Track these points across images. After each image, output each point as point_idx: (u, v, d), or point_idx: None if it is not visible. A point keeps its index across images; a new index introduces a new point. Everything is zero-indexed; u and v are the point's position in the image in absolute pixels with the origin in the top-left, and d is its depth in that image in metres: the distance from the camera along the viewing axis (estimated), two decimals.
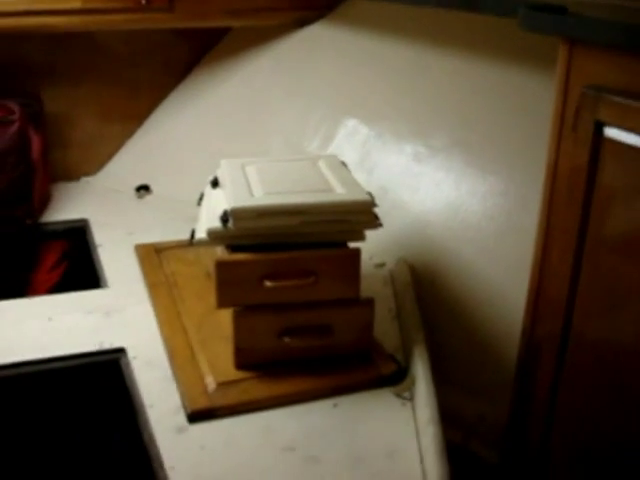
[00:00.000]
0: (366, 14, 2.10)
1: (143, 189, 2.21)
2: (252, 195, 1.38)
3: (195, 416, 1.30)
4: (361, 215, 1.39)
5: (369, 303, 1.41)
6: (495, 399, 1.57)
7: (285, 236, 1.37)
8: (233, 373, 1.38)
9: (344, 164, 1.55)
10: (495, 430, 1.54)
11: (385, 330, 1.55)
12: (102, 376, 1.48)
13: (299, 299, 1.37)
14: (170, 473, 1.19)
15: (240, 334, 1.37)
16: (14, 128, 1.96)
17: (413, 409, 1.34)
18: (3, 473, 1.47)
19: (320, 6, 2.19)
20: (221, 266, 1.33)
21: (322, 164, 1.53)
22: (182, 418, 1.31)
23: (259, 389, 1.36)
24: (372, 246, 1.59)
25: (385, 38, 2.02)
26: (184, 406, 1.32)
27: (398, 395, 1.38)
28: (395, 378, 1.41)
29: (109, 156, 2.35)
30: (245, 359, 1.39)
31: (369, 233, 1.43)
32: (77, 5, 2.05)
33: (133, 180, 2.24)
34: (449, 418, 1.32)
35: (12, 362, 1.44)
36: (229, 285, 1.34)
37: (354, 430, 1.30)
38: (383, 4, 2.01)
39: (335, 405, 1.35)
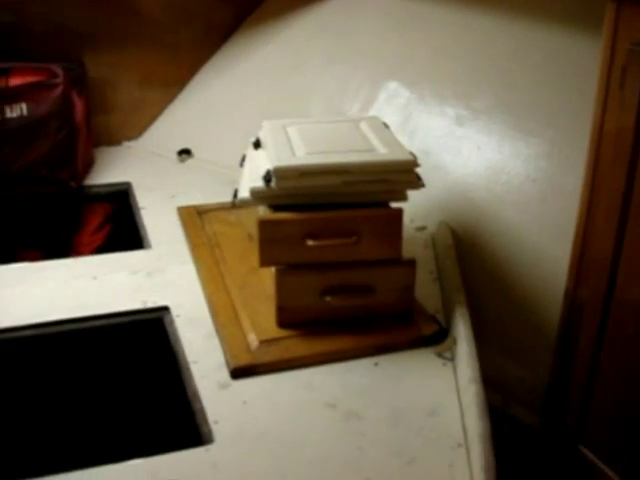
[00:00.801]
0: None
1: (184, 153, 2.22)
2: (294, 155, 1.38)
3: (238, 372, 1.32)
4: (403, 175, 1.38)
5: (411, 264, 1.41)
6: (536, 362, 1.57)
7: (327, 196, 1.37)
8: (275, 331, 1.39)
9: (386, 125, 1.55)
10: (535, 393, 1.55)
11: (426, 292, 1.55)
12: (146, 334, 1.50)
13: (341, 259, 1.38)
14: (214, 427, 1.21)
15: (282, 293, 1.38)
16: (58, 92, 1.98)
17: (454, 369, 1.35)
18: (48, 427, 1.50)
19: None
20: (264, 225, 1.34)
21: (364, 125, 1.53)
22: (225, 374, 1.33)
23: (300, 347, 1.37)
24: (413, 210, 1.59)
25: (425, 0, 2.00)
26: (227, 363, 1.34)
27: (439, 355, 1.38)
28: (436, 338, 1.41)
29: (151, 120, 2.37)
30: (287, 318, 1.40)
31: (410, 196, 1.43)
32: None
33: (175, 144, 2.25)
34: (489, 381, 1.32)
35: (58, 319, 1.48)
36: (271, 244, 1.35)
37: (395, 388, 1.31)
38: None
39: (376, 364, 1.36)
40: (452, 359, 1.37)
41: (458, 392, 1.29)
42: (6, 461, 1.43)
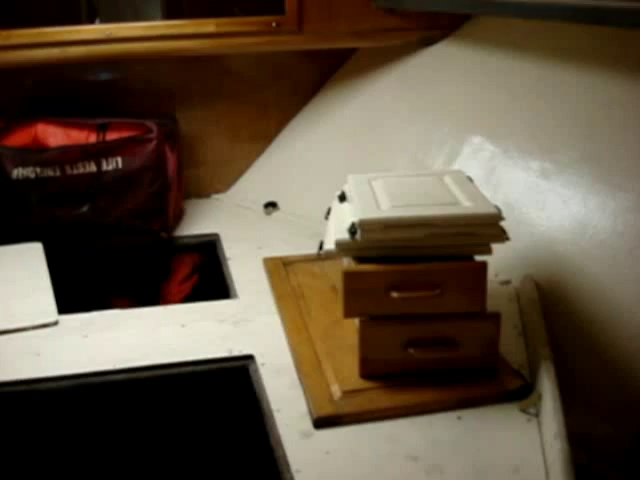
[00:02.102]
0: (491, 31, 2.10)
1: (271, 206, 2.28)
2: (379, 208, 1.40)
3: (321, 422, 1.33)
4: (488, 228, 1.39)
5: (495, 317, 1.41)
6: (623, 420, 1.53)
7: (411, 248, 1.38)
8: (358, 382, 1.40)
9: (470, 179, 1.56)
10: (621, 452, 1.50)
11: (510, 346, 1.53)
12: (231, 381, 1.53)
13: (424, 311, 1.39)
14: (296, 475, 1.22)
15: (366, 344, 1.39)
16: (152, 146, 2.07)
17: (539, 425, 1.33)
18: (132, 473, 1.54)
19: (445, 25, 2.20)
20: (348, 276, 1.36)
21: (448, 179, 1.54)
22: (308, 423, 1.34)
23: (383, 398, 1.38)
24: (498, 263, 1.58)
25: (510, 55, 2.02)
26: (310, 412, 1.36)
27: (523, 410, 1.36)
28: (521, 393, 1.40)
29: (239, 174, 2.44)
30: (370, 369, 1.41)
31: (495, 250, 1.42)
32: (211, 29, 2.15)
33: (261, 197, 2.31)
34: (574, 438, 1.29)
35: (147, 365, 1.53)
36: (356, 295, 1.37)
37: (478, 443, 1.30)
38: (508, 21, 2.01)
39: (459, 418, 1.35)
40: (537, 415, 1.35)
41: (543, 448, 1.27)
42: None
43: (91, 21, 2.30)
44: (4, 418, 1.45)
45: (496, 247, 1.43)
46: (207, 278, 2.08)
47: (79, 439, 1.53)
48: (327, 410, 1.35)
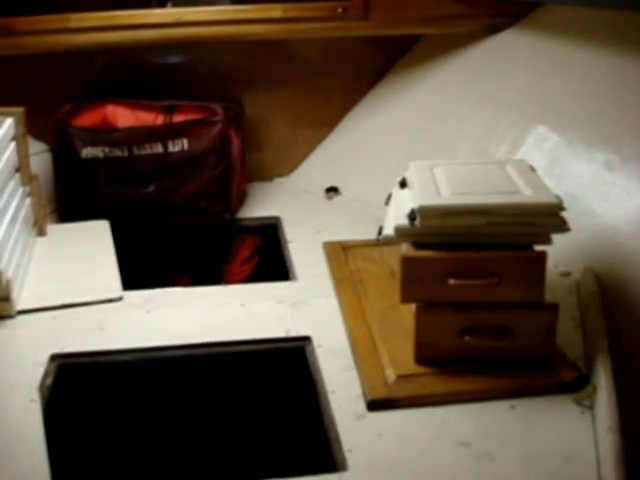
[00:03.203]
0: (558, 20, 2.07)
1: (332, 191, 2.30)
2: (439, 195, 1.41)
3: (374, 405, 1.35)
4: (548, 218, 1.38)
5: (553, 308, 1.40)
6: None
7: (470, 236, 1.39)
8: (412, 367, 1.42)
9: (532, 168, 1.55)
10: None
11: (567, 338, 1.52)
12: (287, 361, 1.56)
13: (481, 299, 1.39)
14: (348, 455, 1.24)
15: (421, 330, 1.40)
16: (217, 129, 2.10)
17: (593, 417, 1.32)
18: (188, 447, 1.58)
19: (512, 13, 2.18)
20: (407, 262, 1.37)
21: (510, 168, 1.54)
22: (362, 406, 1.36)
23: (437, 384, 1.39)
24: (558, 255, 1.57)
25: (577, 43, 1.99)
26: (364, 394, 1.38)
27: (578, 402, 1.36)
28: (576, 385, 1.39)
29: (301, 159, 2.46)
30: (425, 354, 1.42)
31: (556, 241, 1.42)
32: (277, 14, 2.18)
33: (323, 182, 2.33)
34: (627, 432, 1.29)
35: (207, 342, 1.57)
36: (413, 281, 1.38)
37: (531, 432, 1.30)
38: (576, 9, 1.98)
39: (512, 407, 1.35)
40: (591, 407, 1.34)
41: (595, 441, 1.26)
42: (147, 472, 1.51)
43: (161, 5, 2.35)
44: (68, 388, 1.50)
45: (557, 238, 1.42)
46: (267, 260, 2.12)
47: (139, 411, 1.58)
48: (381, 393, 1.37)
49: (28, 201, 1.91)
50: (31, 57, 2.19)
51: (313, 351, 1.52)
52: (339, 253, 1.87)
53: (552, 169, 1.89)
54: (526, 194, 1.41)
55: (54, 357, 1.52)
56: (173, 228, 2.12)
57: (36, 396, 1.39)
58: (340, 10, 2.17)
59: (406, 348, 1.44)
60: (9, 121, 1.80)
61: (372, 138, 2.35)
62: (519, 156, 1.98)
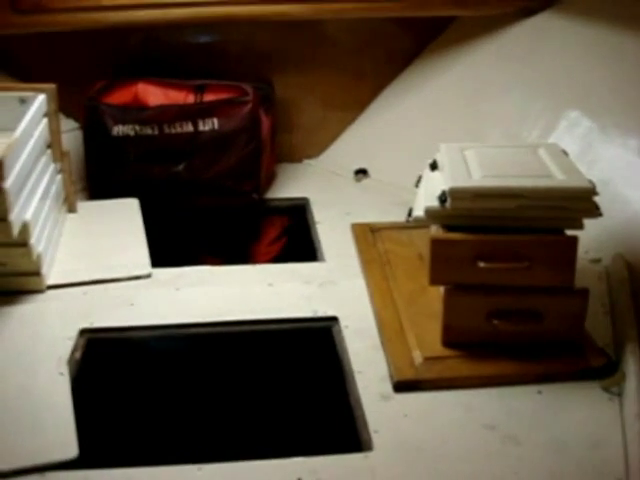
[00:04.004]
0: (593, 4, 2.05)
1: (361, 173, 2.29)
2: (470, 177, 1.40)
3: (400, 386, 1.35)
4: (580, 202, 1.37)
5: (583, 293, 1.40)
6: None
7: (500, 219, 1.38)
8: (439, 349, 1.42)
9: (565, 152, 1.54)
10: None
11: (596, 324, 1.51)
12: (314, 341, 1.57)
13: (511, 283, 1.38)
14: (374, 436, 1.25)
15: (449, 312, 1.40)
16: (247, 109, 2.10)
17: (620, 404, 1.31)
18: (209, 425, 1.59)
19: None
20: (436, 243, 1.37)
21: (542, 151, 1.52)
22: (388, 386, 1.36)
23: (464, 367, 1.39)
24: (588, 241, 1.56)
25: (612, 28, 1.96)
26: (391, 375, 1.38)
27: (606, 389, 1.35)
28: (604, 372, 1.38)
29: (331, 140, 2.45)
30: (452, 337, 1.42)
31: (587, 227, 1.41)
32: None
33: (352, 164, 2.32)
34: None
35: (234, 320, 1.58)
36: (442, 263, 1.37)
37: (557, 418, 1.30)
38: None
39: (539, 392, 1.35)
40: (619, 394, 1.33)
41: (623, 428, 1.25)
42: (172, 446, 1.52)
43: None
44: (96, 362, 1.52)
45: (588, 224, 1.41)
46: (295, 241, 2.12)
47: (165, 386, 1.59)
48: (407, 375, 1.37)
49: (59, 178, 1.93)
50: (63, 34, 2.20)
51: (340, 331, 1.52)
52: (367, 235, 1.87)
53: (584, 154, 1.87)
54: (558, 178, 1.40)
55: (83, 331, 1.54)
56: (202, 207, 2.12)
57: (65, 369, 1.41)
58: None
59: (433, 330, 1.44)
60: (41, 97, 1.82)
61: (402, 120, 2.33)
62: (551, 141, 1.96)
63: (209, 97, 2.14)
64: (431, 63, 2.37)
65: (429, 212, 1.40)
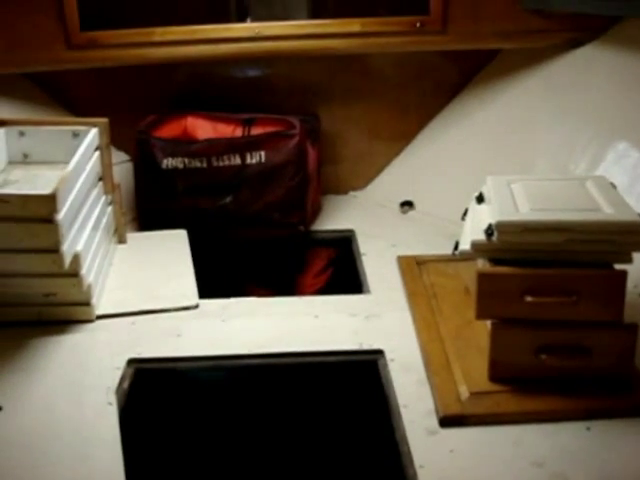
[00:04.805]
0: None
1: (407, 205, 2.29)
2: (518, 210, 1.40)
3: (446, 421, 1.34)
4: (629, 236, 1.35)
5: (632, 328, 1.37)
6: None
7: (548, 253, 1.37)
8: (486, 384, 1.40)
9: (613, 185, 1.52)
10: None
11: None
12: (360, 374, 1.56)
13: (558, 317, 1.37)
14: (419, 471, 1.23)
15: (496, 347, 1.39)
16: (294, 142, 2.13)
17: None
18: (255, 456, 1.59)
19: (594, 27, 2.15)
20: (483, 277, 1.36)
21: (590, 184, 1.51)
22: (434, 421, 1.35)
23: (511, 403, 1.37)
24: (637, 274, 1.54)
25: None
26: (436, 410, 1.37)
27: None
28: None
29: (376, 172, 2.47)
30: (499, 372, 1.41)
31: (636, 260, 1.39)
32: (356, 29, 2.19)
33: (398, 196, 2.33)
34: None
35: (281, 352, 1.58)
36: (489, 297, 1.37)
37: (607, 455, 1.27)
38: None
39: (588, 428, 1.33)
40: None
41: None
42: (218, 478, 1.53)
43: (241, 20, 2.39)
44: (144, 392, 1.53)
45: (637, 257, 1.39)
46: (341, 272, 2.12)
47: (211, 417, 1.60)
48: (454, 409, 1.36)
49: (110, 209, 1.97)
50: (115, 69, 2.26)
51: (386, 365, 1.52)
52: (413, 267, 1.87)
53: (633, 186, 1.85)
54: (607, 211, 1.38)
55: (131, 361, 1.56)
56: (248, 239, 2.14)
57: (113, 399, 1.43)
58: (418, 24, 2.18)
59: (480, 365, 1.43)
60: (94, 131, 1.86)
61: (448, 152, 2.34)
62: (599, 172, 1.95)
63: (257, 130, 2.18)
64: (477, 95, 2.37)
65: (476, 246, 1.39)
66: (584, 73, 2.15)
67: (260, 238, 2.14)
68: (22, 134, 1.90)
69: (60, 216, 1.53)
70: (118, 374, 1.51)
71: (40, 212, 1.50)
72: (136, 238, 2.11)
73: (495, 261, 1.39)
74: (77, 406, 1.42)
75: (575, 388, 1.39)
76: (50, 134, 1.90)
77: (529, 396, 1.38)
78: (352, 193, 2.45)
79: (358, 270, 1.96)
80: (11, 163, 1.91)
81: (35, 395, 1.45)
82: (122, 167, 2.26)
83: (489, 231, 1.37)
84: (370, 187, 2.46)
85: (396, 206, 2.31)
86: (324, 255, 2.21)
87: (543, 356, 1.37)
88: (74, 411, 1.41)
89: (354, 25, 2.18)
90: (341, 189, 2.45)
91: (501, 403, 1.37)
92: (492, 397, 1.38)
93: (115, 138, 2.01)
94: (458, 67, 2.40)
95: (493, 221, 1.37)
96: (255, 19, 2.45)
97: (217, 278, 2.01)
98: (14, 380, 1.49)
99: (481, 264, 1.44)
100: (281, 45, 2.19)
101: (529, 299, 1.34)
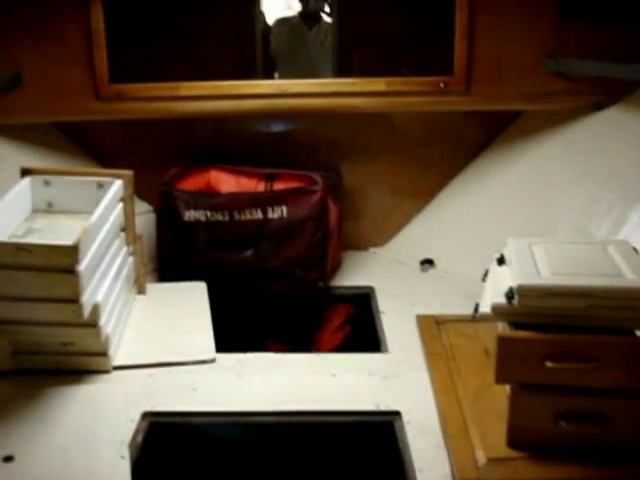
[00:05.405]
0: None
1: (427, 263, 2.29)
2: (539, 274, 1.39)
3: None
4: None
5: None
6: None
7: (569, 318, 1.36)
8: (504, 450, 1.38)
9: (636, 250, 1.51)
10: None
11: None
12: (376, 435, 1.54)
13: (579, 383, 1.35)
14: None
15: (515, 412, 1.37)
16: (316, 198, 2.14)
17: None
18: None
19: (616, 90, 2.16)
20: (503, 342, 1.35)
21: (612, 249, 1.50)
22: None
23: (529, 470, 1.35)
24: None
25: None
26: (453, 475, 1.35)
27: None
28: None
29: (397, 229, 2.47)
30: (518, 438, 1.38)
31: None
32: (381, 88, 2.22)
33: (418, 253, 2.33)
34: None
35: (297, 410, 1.57)
36: (509, 361, 1.35)
37: None
38: None
39: None
40: None
41: None
42: None
43: (268, 77, 2.42)
44: (158, 446, 1.52)
45: None
46: (359, 329, 2.11)
47: (225, 473, 1.58)
48: (471, 475, 1.34)
49: (131, 260, 1.98)
50: (141, 122, 2.30)
51: (402, 427, 1.50)
52: (432, 327, 1.85)
53: None
54: (629, 277, 1.37)
55: (146, 415, 1.55)
56: (267, 293, 2.14)
57: (126, 453, 1.42)
58: (442, 85, 2.20)
59: (498, 429, 1.41)
60: (118, 183, 1.88)
61: (470, 211, 2.34)
62: (622, 235, 1.94)
63: (279, 185, 2.19)
64: (499, 154, 2.38)
65: (496, 309, 1.38)
66: (606, 135, 2.16)
67: (279, 292, 2.14)
68: (47, 183, 1.92)
69: (82, 267, 1.54)
70: (132, 427, 1.51)
71: (62, 263, 1.52)
72: (156, 289, 2.11)
73: (515, 325, 1.38)
74: (90, 458, 1.41)
75: (596, 456, 1.36)
76: (75, 184, 1.93)
77: (548, 464, 1.36)
78: (372, 249, 2.45)
79: (377, 328, 1.95)
80: (35, 211, 1.93)
81: (48, 445, 1.44)
82: (145, 217, 2.28)
83: (510, 294, 1.36)
84: (391, 244, 2.46)
85: (416, 263, 2.30)
86: (343, 311, 2.20)
87: (563, 423, 1.35)
88: (86, 463, 1.40)
89: (379, 84, 2.21)
90: (362, 245, 2.45)
91: (519, 470, 1.35)
92: (510, 464, 1.36)
93: (139, 188, 2.03)
94: (481, 127, 2.41)
95: (514, 284, 1.36)
96: (282, 76, 2.50)
97: (235, 331, 2.00)
98: (28, 429, 1.48)
99: (501, 327, 1.43)
100: (306, 102, 2.22)
101: (549, 365, 1.33)
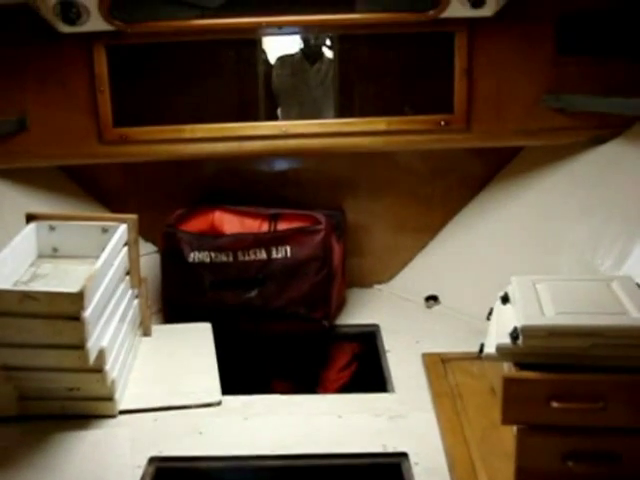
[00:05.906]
0: None
1: (432, 299, 2.29)
2: (543, 314, 1.39)
3: None
4: None
5: None
6: None
7: (574, 357, 1.35)
8: None
9: (639, 286, 1.51)
10: None
11: None
12: (383, 477, 1.54)
13: (586, 423, 1.35)
14: None
15: (522, 453, 1.36)
16: (319, 237, 2.15)
17: None
18: None
19: (616, 125, 2.18)
20: (509, 382, 1.35)
21: (616, 285, 1.50)
22: None
23: None
24: None
25: None
26: None
27: None
28: None
29: (401, 266, 2.47)
30: (526, 479, 1.37)
31: None
32: (382, 127, 2.24)
33: (423, 290, 2.33)
34: None
35: (304, 453, 1.56)
36: (515, 402, 1.35)
37: None
38: None
39: None
40: None
41: None
42: None
43: (271, 118, 2.45)
44: None
45: None
46: (365, 368, 2.11)
47: None
48: None
49: (136, 302, 1.98)
50: (145, 164, 2.31)
51: (410, 468, 1.49)
52: (438, 366, 1.85)
53: None
54: (634, 315, 1.37)
55: (152, 460, 1.55)
56: (273, 333, 2.14)
57: None
58: (443, 123, 2.22)
59: (506, 471, 1.40)
60: (123, 227, 1.89)
61: (473, 247, 2.34)
62: (626, 269, 1.94)
63: (283, 225, 2.20)
64: (502, 189, 2.39)
65: (501, 349, 1.38)
66: (607, 170, 2.17)
67: (284, 332, 2.14)
68: (52, 228, 1.94)
69: (87, 313, 1.55)
70: (139, 472, 1.50)
71: (68, 310, 1.52)
72: (161, 330, 2.12)
73: (521, 365, 1.37)
74: None
75: None
76: (80, 229, 1.94)
77: None
78: (377, 286, 2.45)
79: (382, 367, 1.95)
80: (40, 257, 1.94)
81: None
82: (149, 258, 2.29)
83: (514, 334, 1.36)
84: (395, 281, 2.46)
85: (421, 300, 2.30)
86: (348, 350, 2.19)
87: (571, 463, 1.34)
88: None
89: (380, 124, 2.23)
90: (366, 282, 2.45)
91: None
92: None
93: (143, 229, 2.05)
94: (483, 163, 2.42)
95: (519, 325, 1.36)
96: (284, 115, 2.52)
97: (241, 371, 2.00)
98: (34, 477, 1.48)
99: (507, 368, 1.42)
100: (307, 143, 2.24)
101: (555, 405, 1.32)
